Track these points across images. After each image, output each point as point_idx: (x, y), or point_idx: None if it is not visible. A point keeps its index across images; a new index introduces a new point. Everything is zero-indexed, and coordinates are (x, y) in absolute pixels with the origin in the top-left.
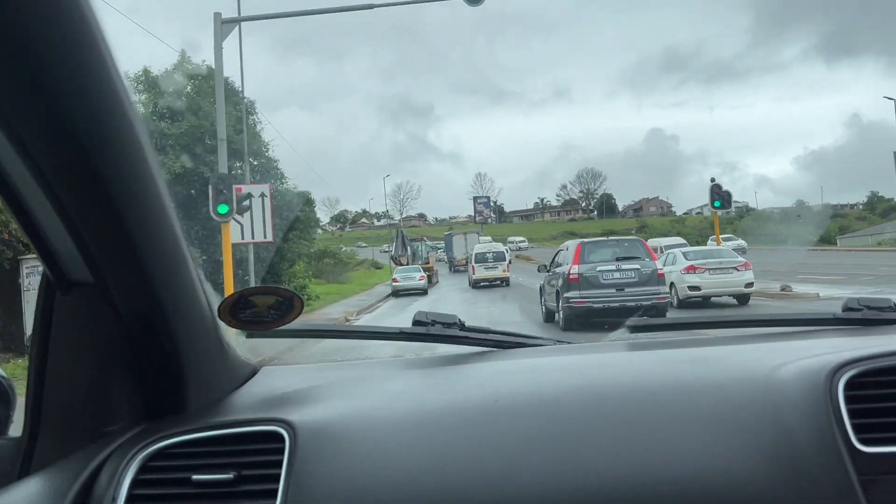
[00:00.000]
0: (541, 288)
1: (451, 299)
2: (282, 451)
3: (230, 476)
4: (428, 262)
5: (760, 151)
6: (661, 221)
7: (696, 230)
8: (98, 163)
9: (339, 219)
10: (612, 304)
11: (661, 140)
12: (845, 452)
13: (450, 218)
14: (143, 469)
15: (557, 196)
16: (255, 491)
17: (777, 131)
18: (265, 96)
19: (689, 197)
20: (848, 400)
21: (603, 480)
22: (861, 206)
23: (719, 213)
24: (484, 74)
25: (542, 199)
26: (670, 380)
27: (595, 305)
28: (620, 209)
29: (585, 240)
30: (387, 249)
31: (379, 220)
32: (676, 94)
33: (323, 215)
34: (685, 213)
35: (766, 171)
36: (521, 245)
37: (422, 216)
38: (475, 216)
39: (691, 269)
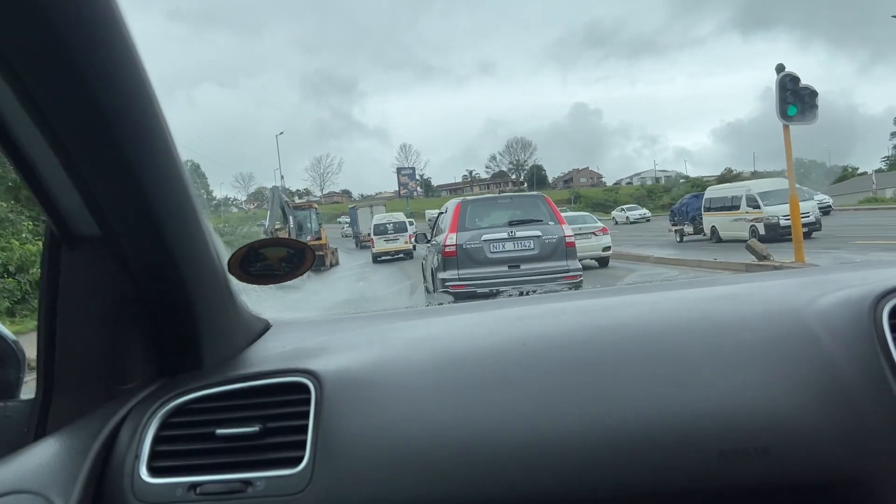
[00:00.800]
0: (422, 265)
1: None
2: (307, 402)
3: (256, 429)
4: (320, 238)
5: (680, 125)
6: (594, 192)
7: (633, 198)
8: (107, 114)
9: (257, 196)
10: (502, 288)
11: (586, 114)
12: (893, 381)
13: (376, 194)
14: (164, 425)
15: (487, 168)
16: (283, 443)
17: (696, 105)
18: (180, 72)
19: (616, 168)
20: (894, 329)
21: (639, 417)
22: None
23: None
24: (408, 49)
25: (471, 172)
26: (701, 316)
27: (479, 290)
28: (551, 181)
29: (469, 197)
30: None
31: (301, 198)
32: (599, 69)
33: (238, 193)
34: (616, 183)
35: (685, 144)
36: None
37: (346, 192)
38: (399, 189)
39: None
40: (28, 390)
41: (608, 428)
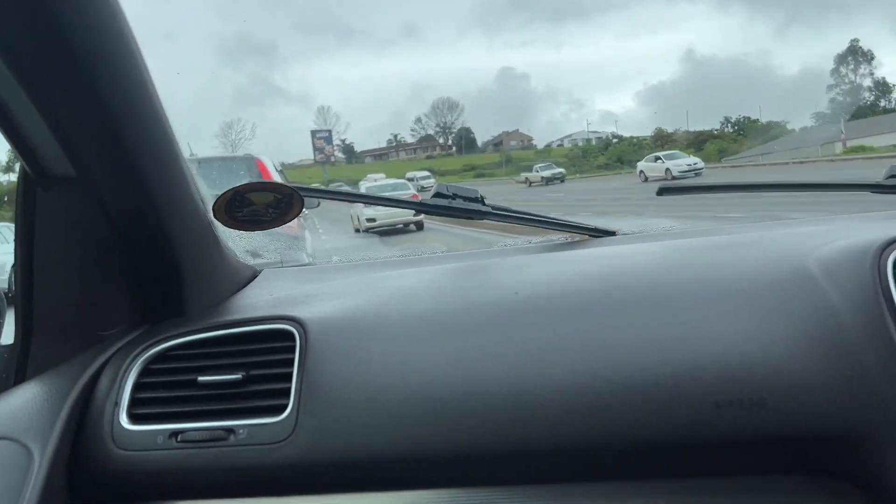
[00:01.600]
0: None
1: None
2: (292, 350)
3: (238, 376)
4: None
5: (605, 88)
6: (525, 154)
7: (567, 159)
8: (81, 52)
9: None
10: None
11: (513, 79)
12: (895, 332)
13: (299, 161)
14: (145, 372)
15: (412, 131)
16: (266, 391)
17: (620, 68)
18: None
19: (545, 132)
20: None
21: (632, 367)
22: (729, 130)
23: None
24: (329, 12)
25: (397, 136)
26: (698, 264)
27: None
28: (480, 144)
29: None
30: None
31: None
32: (525, 32)
33: None
34: (547, 146)
35: (610, 108)
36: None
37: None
38: (315, 155)
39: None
40: (8, 335)
41: (600, 378)
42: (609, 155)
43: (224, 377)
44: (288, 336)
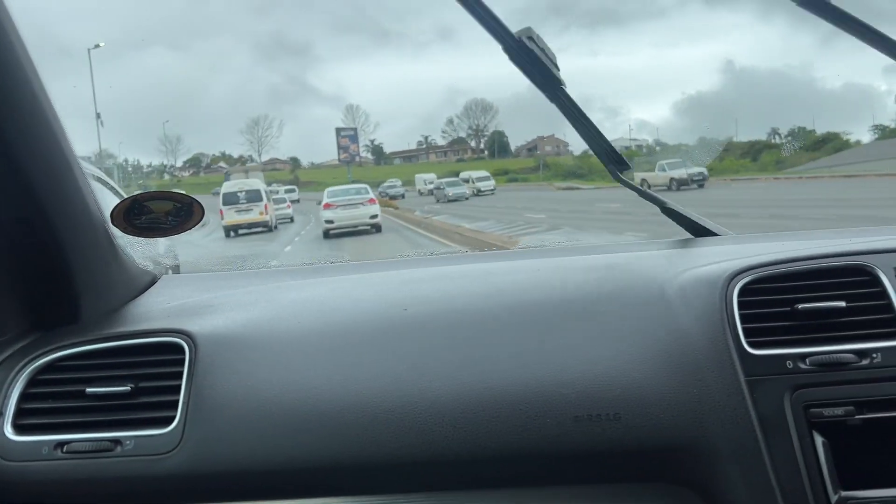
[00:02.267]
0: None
1: None
2: (182, 363)
3: (127, 388)
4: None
5: (641, 97)
6: (563, 160)
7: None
8: None
9: (195, 163)
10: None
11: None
12: (735, 355)
13: (328, 161)
14: (33, 382)
15: (443, 133)
16: (154, 403)
17: (657, 77)
18: (128, 36)
19: (579, 139)
20: (741, 306)
21: (505, 383)
22: (778, 140)
23: None
24: (365, 13)
25: (427, 138)
26: (576, 286)
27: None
28: (513, 149)
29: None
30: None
31: (245, 164)
32: (561, 38)
33: (164, 158)
34: (584, 152)
35: (645, 116)
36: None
37: (294, 160)
38: (339, 153)
39: (327, 206)
40: None
41: (475, 393)
42: (655, 162)
43: (112, 389)
44: (178, 349)
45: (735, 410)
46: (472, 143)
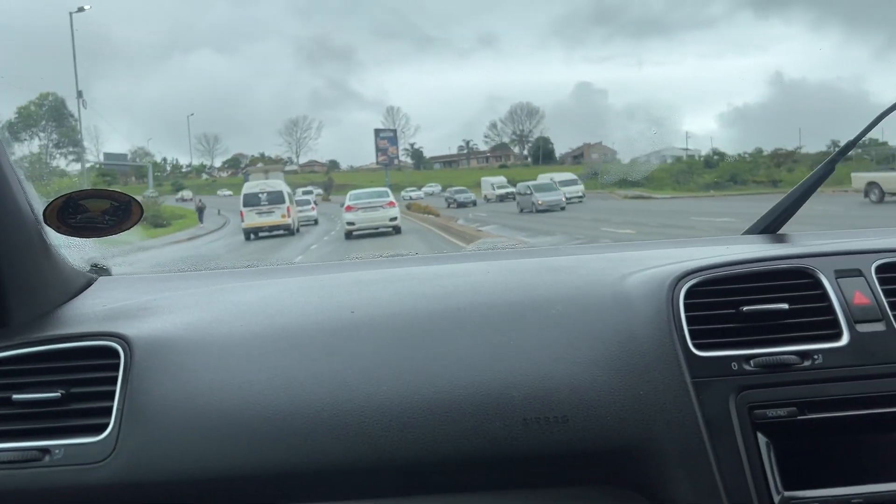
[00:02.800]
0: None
1: None
2: (116, 368)
3: (57, 394)
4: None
5: (686, 107)
6: (613, 168)
7: (669, 175)
8: None
9: (234, 164)
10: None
11: (589, 94)
12: (682, 357)
13: (367, 165)
14: None
15: (486, 138)
16: (86, 409)
17: (703, 88)
18: (176, 38)
19: (623, 148)
20: (687, 308)
21: (452, 386)
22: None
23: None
24: (408, 19)
25: (468, 143)
26: (525, 288)
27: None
28: (559, 156)
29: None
30: (226, 193)
31: (287, 165)
32: (605, 47)
33: (202, 157)
34: (633, 160)
35: (690, 128)
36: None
37: (333, 163)
38: (377, 155)
39: (349, 209)
40: None
41: (422, 396)
42: (720, 172)
43: (41, 395)
44: (112, 353)
45: (681, 412)
46: (516, 149)
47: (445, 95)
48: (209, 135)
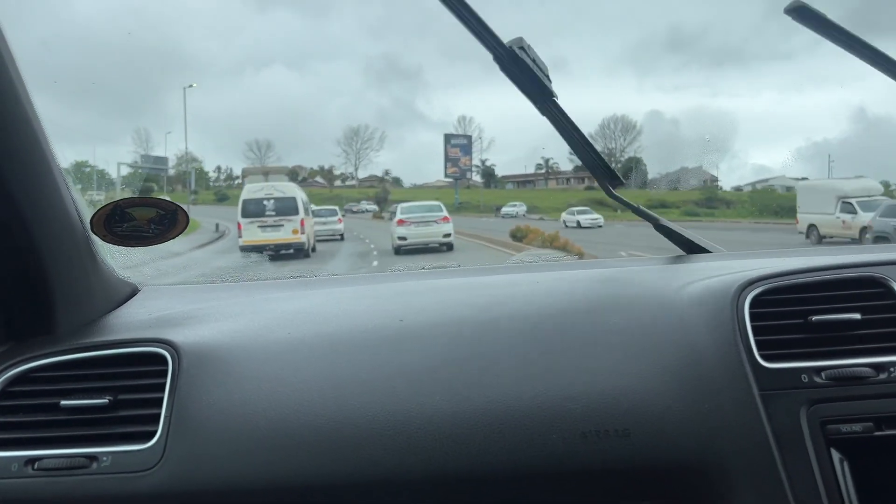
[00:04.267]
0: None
1: None
2: (164, 374)
3: (105, 401)
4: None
5: (761, 140)
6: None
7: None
8: None
9: (292, 176)
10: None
11: (661, 123)
12: (749, 369)
13: (434, 181)
14: (4, 394)
15: (570, 157)
16: (134, 416)
17: (780, 121)
18: (249, 53)
19: (727, 173)
20: (753, 318)
21: (506, 397)
22: None
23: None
24: (475, 39)
25: (548, 161)
26: (578, 298)
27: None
28: (650, 179)
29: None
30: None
31: (347, 181)
32: (678, 76)
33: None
34: (736, 188)
35: (765, 161)
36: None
37: (396, 180)
38: (446, 167)
39: (401, 223)
40: None
41: (475, 407)
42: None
43: (89, 401)
44: (160, 360)
45: (749, 427)
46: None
47: (513, 119)
48: (260, 141)
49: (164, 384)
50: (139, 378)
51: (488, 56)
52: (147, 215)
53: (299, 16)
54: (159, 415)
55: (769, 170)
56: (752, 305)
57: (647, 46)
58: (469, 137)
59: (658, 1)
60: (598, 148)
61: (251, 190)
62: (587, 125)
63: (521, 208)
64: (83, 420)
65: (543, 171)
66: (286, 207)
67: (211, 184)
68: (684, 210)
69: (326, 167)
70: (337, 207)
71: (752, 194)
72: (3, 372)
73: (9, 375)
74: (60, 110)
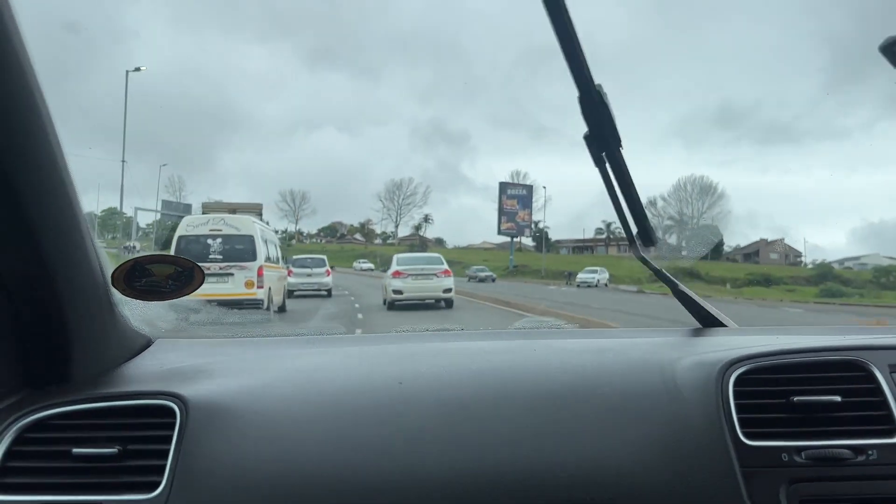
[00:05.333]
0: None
1: None
2: (172, 427)
3: (114, 450)
4: None
5: (813, 219)
6: (793, 271)
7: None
8: None
9: (331, 232)
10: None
11: (710, 198)
12: (731, 445)
13: (480, 243)
14: (20, 440)
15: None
16: (141, 466)
17: (833, 200)
18: (302, 115)
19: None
20: (737, 395)
21: (497, 463)
22: None
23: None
24: (523, 108)
25: (609, 225)
26: (570, 367)
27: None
28: (726, 250)
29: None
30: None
31: (388, 239)
32: (728, 151)
33: (286, 218)
34: (822, 263)
35: (818, 241)
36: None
37: (439, 240)
38: (500, 221)
39: (397, 275)
40: None
41: (468, 473)
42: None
43: (99, 450)
44: (169, 412)
45: (730, 501)
46: (672, 238)
47: (559, 186)
48: (295, 192)
49: (171, 436)
50: (148, 429)
51: (535, 123)
52: (165, 271)
53: (351, 79)
54: (164, 466)
55: (822, 249)
56: (736, 383)
57: (695, 120)
58: (529, 188)
59: (709, 78)
60: (672, 211)
61: (191, 224)
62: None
63: (602, 275)
64: (92, 468)
65: (604, 235)
66: (238, 250)
67: None
68: (822, 289)
69: (368, 224)
70: (325, 257)
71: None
72: (19, 419)
73: (25, 423)
74: (113, 163)
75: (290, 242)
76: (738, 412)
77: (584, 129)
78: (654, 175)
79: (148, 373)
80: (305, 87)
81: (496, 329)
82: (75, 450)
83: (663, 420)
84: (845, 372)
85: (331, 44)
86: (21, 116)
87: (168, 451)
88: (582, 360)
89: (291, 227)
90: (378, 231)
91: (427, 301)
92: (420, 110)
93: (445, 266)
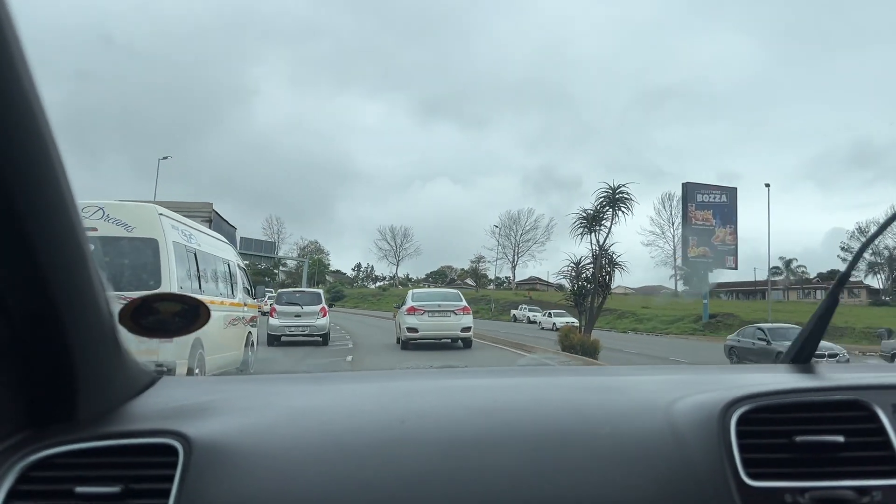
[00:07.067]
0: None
1: None
2: (174, 466)
3: (116, 489)
4: None
5: None
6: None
7: None
8: None
9: (440, 276)
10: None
11: (843, 239)
12: (734, 486)
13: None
14: (23, 479)
15: (799, 268)
16: None
17: None
18: (419, 170)
19: None
20: (739, 435)
21: (499, 503)
22: None
23: None
24: (637, 151)
25: (794, 263)
26: (572, 406)
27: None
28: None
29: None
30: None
31: (501, 285)
32: (864, 193)
33: (386, 257)
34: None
35: None
36: None
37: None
38: (684, 243)
39: (412, 311)
40: None
41: None
42: None
43: (102, 489)
44: (172, 451)
45: None
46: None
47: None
48: (396, 228)
49: (174, 475)
50: (151, 468)
51: (652, 166)
52: (171, 309)
53: (460, 130)
54: None
55: None
56: (738, 423)
57: (828, 161)
58: (732, 192)
59: (841, 118)
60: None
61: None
62: (757, 242)
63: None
64: None
65: (786, 277)
66: (126, 267)
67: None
68: None
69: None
70: (321, 292)
71: None
72: (23, 458)
73: (29, 461)
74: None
75: (388, 287)
76: (740, 452)
77: (707, 174)
78: (784, 219)
79: (151, 411)
80: (419, 143)
81: (501, 367)
82: (78, 489)
83: (666, 460)
84: (848, 412)
85: (441, 95)
86: (33, 166)
87: (170, 490)
88: (583, 399)
89: (393, 270)
90: (491, 276)
91: (444, 340)
92: (529, 158)
93: (464, 303)
